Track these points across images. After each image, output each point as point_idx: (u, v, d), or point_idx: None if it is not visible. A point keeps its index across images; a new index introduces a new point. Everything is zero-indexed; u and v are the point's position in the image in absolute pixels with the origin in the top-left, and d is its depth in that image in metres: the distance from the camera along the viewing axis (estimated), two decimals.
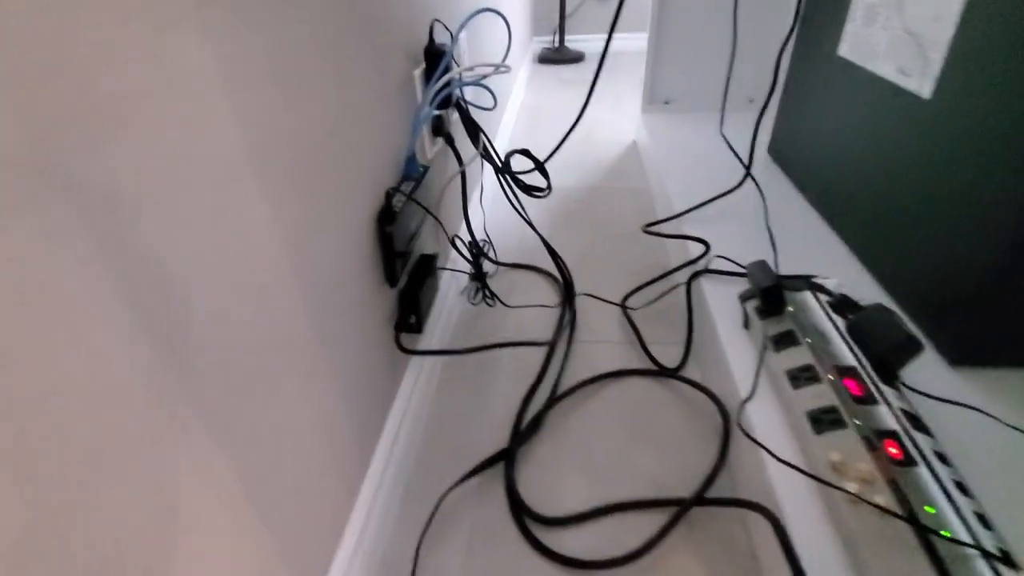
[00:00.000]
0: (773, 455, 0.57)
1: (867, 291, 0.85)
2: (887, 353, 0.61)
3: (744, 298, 0.78)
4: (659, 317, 1.01)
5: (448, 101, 0.85)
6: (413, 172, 0.72)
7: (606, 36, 2.95)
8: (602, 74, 2.57)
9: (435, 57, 0.80)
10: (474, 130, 1.00)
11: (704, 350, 0.88)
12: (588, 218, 1.36)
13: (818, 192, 1.07)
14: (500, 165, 1.02)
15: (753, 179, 1.13)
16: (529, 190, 1.04)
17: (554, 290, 1.11)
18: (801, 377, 0.62)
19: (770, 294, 0.70)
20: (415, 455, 0.78)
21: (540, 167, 0.97)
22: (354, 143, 0.57)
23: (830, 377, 0.60)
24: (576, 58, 2.81)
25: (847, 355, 0.62)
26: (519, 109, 2.17)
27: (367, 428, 0.63)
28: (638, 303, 1.04)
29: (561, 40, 2.87)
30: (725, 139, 1.29)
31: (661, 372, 0.88)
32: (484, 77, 0.88)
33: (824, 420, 0.56)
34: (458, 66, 0.91)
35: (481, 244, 1.04)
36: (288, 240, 0.44)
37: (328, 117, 0.51)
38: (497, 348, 0.96)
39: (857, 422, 0.55)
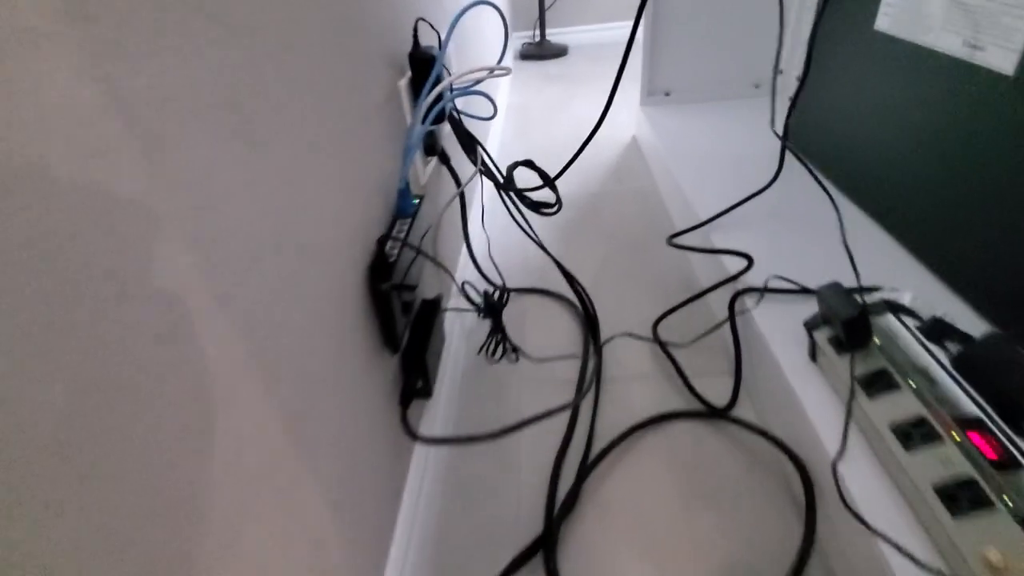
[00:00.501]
0: (904, 552, 0.45)
1: (944, 303, 0.73)
2: (1019, 396, 0.49)
3: (811, 326, 0.66)
4: (697, 343, 0.88)
5: (441, 115, 0.71)
6: (407, 208, 0.58)
7: (601, 25, 2.83)
8: (584, 67, 2.45)
9: (423, 63, 0.67)
10: (471, 144, 0.87)
11: (759, 385, 0.76)
12: (596, 227, 1.23)
13: (857, 185, 0.96)
14: (503, 181, 0.89)
15: (803, 162, 1.01)
16: (537, 207, 0.91)
17: (572, 316, 0.98)
18: (914, 434, 0.50)
19: (855, 327, 0.58)
20: (434, 557, 0.64)
21: (550, 183, 0.84)
22: (331, 185, 0.44)
23: (953, 435, 0.48)
24: (559, 52, 2.68)
25: (965, 402, 0.50)
26: (506, 110, 2.03)
27: (373, 538, 0.50)
28: (673, 332, 0.92)
29: (542, 34, 2.74)
30: (776, 134, 1.16)
31: (710, 413, 0.76)
32: (479, 82, 0.75)
33: (962, 498, 0.44)
34: (450, 72, 0.78)
35: (494, 292, 0.90)
36: (243, 329, 0.31)
37: (295, 156, 0.38)
38: (521, 424, 0.83)
39: (1008, 500, 0.42)
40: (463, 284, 0.85)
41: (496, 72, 0.73)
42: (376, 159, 0.56)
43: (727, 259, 0.87)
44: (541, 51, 2.66)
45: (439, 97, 0.66)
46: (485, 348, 0.92)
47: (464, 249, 0.99)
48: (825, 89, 1.05)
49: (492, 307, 0.82)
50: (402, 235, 0.54)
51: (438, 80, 0.67)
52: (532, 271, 1.11)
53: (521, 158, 1.63)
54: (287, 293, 0.36)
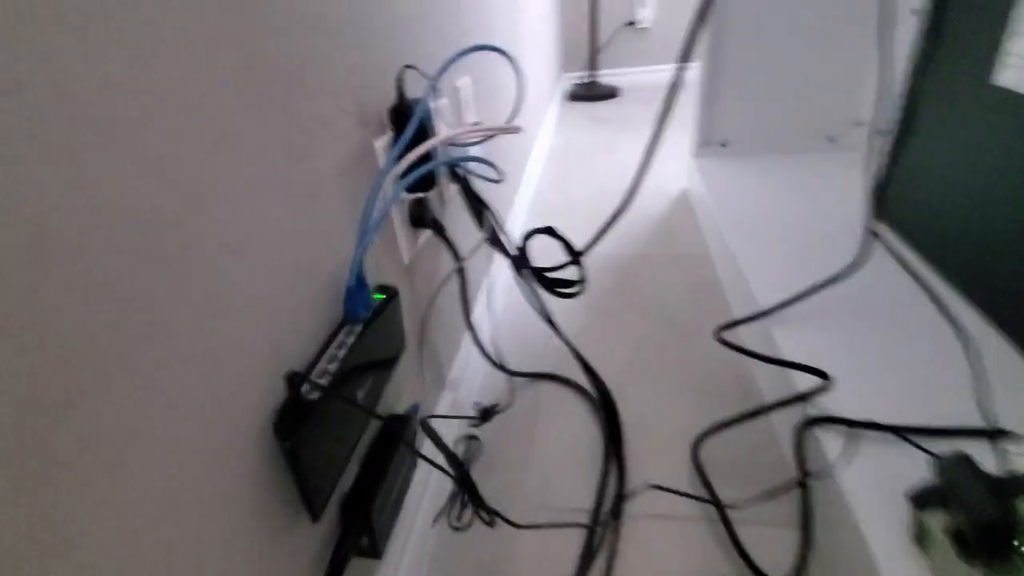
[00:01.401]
0: None
1: None
2: None
3: (920, 502, 0.46)
4: (745, 471, 0.69)
5: (430, 182, 0.58)
6: (358, 311, 0.44)
7: (657, 67, 2.69)
8: (634, 110, 2.30)
9: (405, 119, 0.54)
10: (478, 208, 0.73)
11: (837, 560, 0.55)
12: (632, 300, 1.05)
13: (978, 284, 0.75)
14: (515, 255, 0.74)
15: (889, 248, 0.81)
16: (553, 287, 0.75)
17: (590, 418, 0.80)
18: None
19: (992, 534, 0.38)
20: None
21: (575, 259, 0.68)
22: (231, 297, 0.30)
23: None
24: (610, 94, 2.55)
25: None
26: (548, 154, 1.91)
27: None
28: (720, 455, 0.73)
29: (593, 75, 2.63)
30: (871, 193, 0.97)
31: None
32: (480, 142, 0.61)
33: None
34: (447, 126, 0.64)
35: (478, 406, 0.72)
36: None
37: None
38: None
39: None
40: (427, 419, 0.70)
41: (503, 130, 0.59)
42: (321, 248, 0.43)
43: (798, 372, 0.68)
44: (590, 92, 2.54)
45: (426, 158, 0.53)
46: (446, 513, 0.67)
47: (465, 339, 0.84)
48: (925, 151, 0.85)
49: (458, 464, 0.63)
50: (335, 361, 0.40)
51: (422, 135, 0.54)
52: (550, 353, 0.94)
53: (558, 206, 1.49)
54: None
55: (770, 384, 0.77)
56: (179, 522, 0.28)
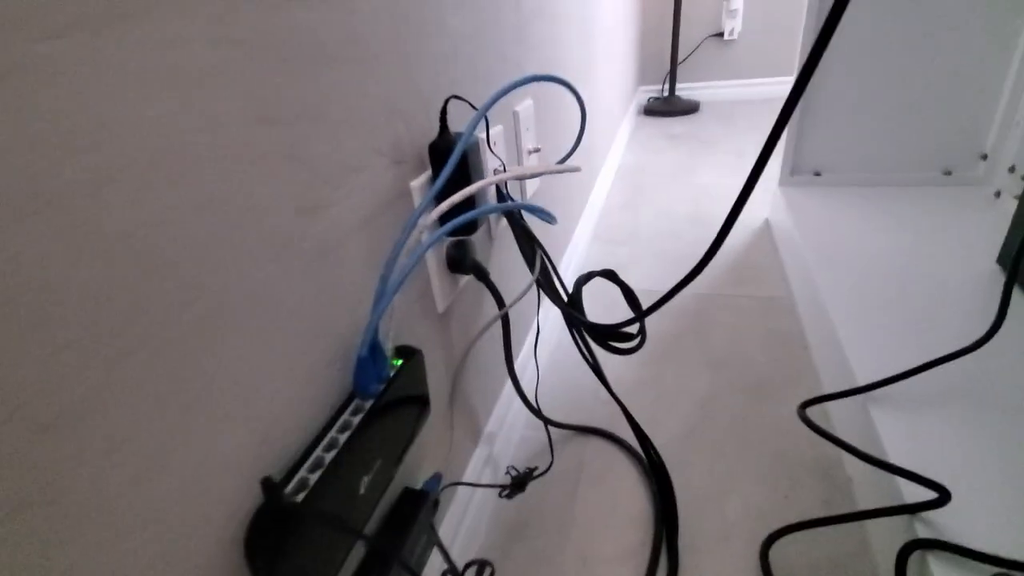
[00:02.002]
0: None
1: None
2: None
3: None
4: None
5: (473, 225, 0.51)
6: (370, 384, 0.38)
7: (739, 81, 2.51)
8: (713, 128, 2.14)
9: (447, 157, 0.47)
10: (530, 247, 0.66)
11: None
12: (698, 349, 0.94)
13: None
14: (567, 304, 0.66)
15: None
16: (608, 340, 0.66)
17: (641, 483, 0.71)
18: None
19: None
20: None
21: (640, 317, 0.59)
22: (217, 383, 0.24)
23: None
24: (689, 109, 2.41)
25: None
26: (617, 172, 1.81)
27: None
28: (795, 563, 0.61)
29: (671, 89, 2.49)
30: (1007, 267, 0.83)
31: None
32: (533, 176, 0.54)
33: None
34: (500, 159, 0.58)
35: (512, 472, 0.62)
36: None
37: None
38: None
39: None
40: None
41: (560, 170, 0.52)
42: (334, 311, 0.37)
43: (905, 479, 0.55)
44: (668, 107, 2.41)
45: (470, 201, 0.46)
46: None
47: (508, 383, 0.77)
48: None
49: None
50: (333, 449, 0.34)
51: (466, 172, 0.47)
52: (600, 406, 0.85)
53: (624, 233, 1.38)
54: None
55: (865, 480, 0.64)
56: None
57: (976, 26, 1.07)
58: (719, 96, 2.58)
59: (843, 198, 1.19)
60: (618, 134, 1.93)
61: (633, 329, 0.66)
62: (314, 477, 0.32)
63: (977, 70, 1.10)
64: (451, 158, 0.43)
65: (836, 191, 1.22)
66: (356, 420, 0.37)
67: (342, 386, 0.39)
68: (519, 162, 0.77)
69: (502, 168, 0.63)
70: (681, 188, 1.62)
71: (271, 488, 0.30)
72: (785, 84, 2.44)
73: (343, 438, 0.35)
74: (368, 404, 0.38)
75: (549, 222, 0.55)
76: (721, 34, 2.45)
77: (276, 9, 0.30)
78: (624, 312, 1.06)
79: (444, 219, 0.42)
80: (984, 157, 1.16)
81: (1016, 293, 0.78)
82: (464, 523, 0.61)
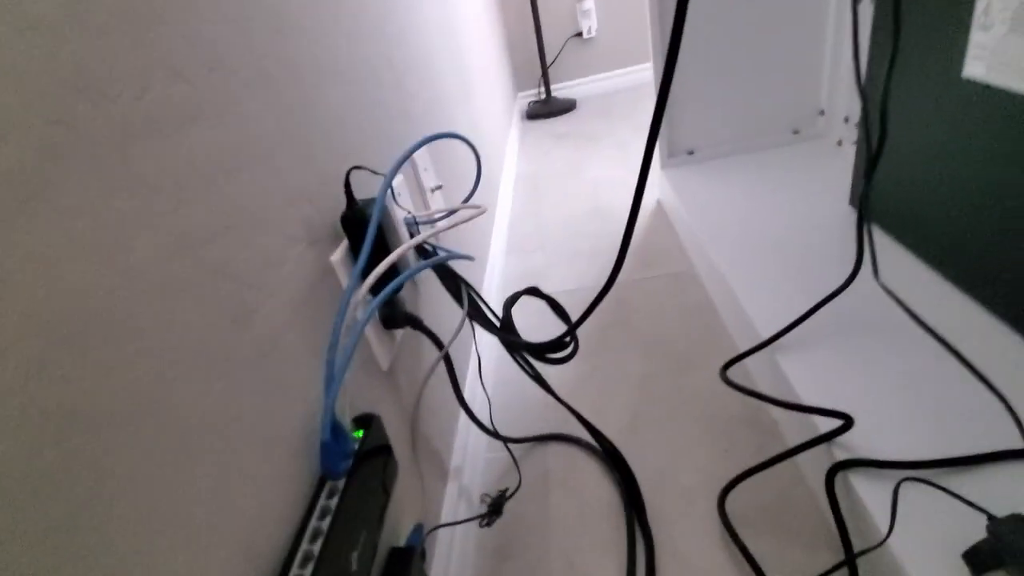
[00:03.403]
0: None
1: None
2: None
3: (979, 564, 0.43)
4: (778, 521, 0.65)
5: (401, 286, 0.53)
6: (337, 465, 0.39)
7: (607, 74, 2.68)
8: (593, 124, 2.28)
9: (360, 226, 0.49)
10: (455, 284, 0.69)
11: None
12: (627, 335, 1.02)
13: (968, 271, 0.72)
14: (500, 329, 0.69)
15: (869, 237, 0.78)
16: (542, 353, 0.71)
17: (604, 475, 0.76)
18: None
19: None
20: None
21: (571, 331, 0.63)
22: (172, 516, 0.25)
23: None
24: (567, 107, 2.54)
25: None
26: (515, 181, 1.88)
27: None
28: (748, 504, 0.69)
29: (547, 91, 2.61)
30: (858, 213, 0.95)
31: None
32: (447, 228, 0.57)
33: None
34: (403, 216, 0.60)
35: (486, 500, 0.67)
36: None
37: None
38: None
39: None
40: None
41: (470, 215, 0.55)
42: (285, 406, 0.38)
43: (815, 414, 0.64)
44: (548, 108, 2.52)
45: (391, 273, 0.48)
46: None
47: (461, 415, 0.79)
48: (900, 150, 0.82)
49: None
50: (319, 538, 0.35)
51: (383, 246, 0.49)
52: (551, 412, 0.90)
53: (534, 238, 1.45)
54: None
55: (787, 421, 0.74)
56: None
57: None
58: (591, 91, 2.73)
59: (716, 171, 1.32)
60: (508, 143, 2.00)
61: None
62: (307, 573, 0.33)
63: (802, 35, 1.26)
64: (368, 232, 0.45)
65: (708, 165, 1.36)
66: (333, 503, 0.38)
67: (311, 472, 0.40)
68: (424, 204, 0.79)
69: (411, 217, 0.66)
70: (576, 186, 1.72)
71: None
72: (644, 71, 2.64)
73: (325, 525, 0.36)
74: (341, 483, 0.39)
75: (470, 260, 0.58)
76: (580, 34, 2.61)
77: (176, 135, 0.31)
78: (549, 317, 1.11)
79: (374, 288, 0.44)
80: (822, 113, 1.33)
81: (874, 232, 0.92)
82: (452, 561, 0.63)
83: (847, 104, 1.25)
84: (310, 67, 0.50)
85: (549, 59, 2.67)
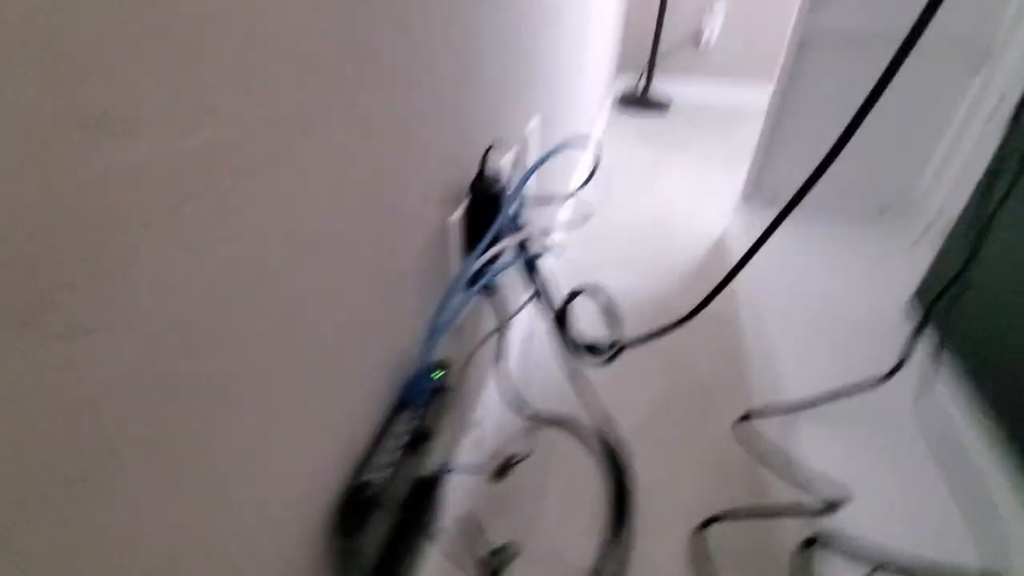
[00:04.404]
0: None
1: None
2: None
3: None
4: (744, 569, 0.71)
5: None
6: (417, 396, 0.46)
7: (707, 82, 2.63)
8: (685, 131, 2.25)
9: (485, 199, 0.54)
10: (530, 267, 0.74)
11: None
12: (654, 352, 1.06)
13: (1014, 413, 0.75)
14: (556, 316, 0.75)
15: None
16: (584, 352, 0.77)
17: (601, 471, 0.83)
18: None
19: None
20: None
21: (615, 347, 0.69)
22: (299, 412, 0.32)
23: None
24: (661, 105, 2.50)
25: None
26: (590, 168, 1.89)
27: None
28: (726, 545, 0.75)
29: (648, 83, 2.57)
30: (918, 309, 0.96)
31: None
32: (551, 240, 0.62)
33: None
34: (518, 222, 0.64)
35: (498, 457, 0.74)
36: None
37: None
38: None
39: None
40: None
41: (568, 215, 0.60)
42: (394, 332, 0.44)
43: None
44: (642, 102, 2.49)
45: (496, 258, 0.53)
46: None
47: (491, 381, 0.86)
48: (1001, 239, 0.82)
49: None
50: (396, 452, 0.42)
51: (492, 214, 0.55)
52: (567, 396, 0.97)
53: (596, 233, 1.48)
54: None
55: (783, 484, 0.79)
56: None
57: (932, 76, 1.20)
58: (691, 94, 2.68)
59: (789, 225, 1.32)
60: (596, 125, 2.00)
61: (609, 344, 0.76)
62: (387, 473, 0.41)
63: (925, 116, 1.24)
64: (493, 225, 0.50)
65: (791, 219, 1.36)
66: (408, 430, 0.45)
67: (396, 393, 0.46)
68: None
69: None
70: (649, 192, 1.73)
71: (353, 494, 0.38)
72: (754, 92, 2.57)
73: (403, 441, 0.43)
74: (417, 416, 0.46)
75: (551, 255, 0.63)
76: (700, 34, 2.54)
77: (391, 90, 0.36)
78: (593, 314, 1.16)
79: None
80: (915, 198, 1.32)
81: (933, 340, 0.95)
82: (452, 500, 0.71)
83: (945, 197, 1.24)
84: (481, 35, 0.54)
85: (661, 50, 2.61)
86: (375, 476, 0.40)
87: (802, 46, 1.21)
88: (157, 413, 0.22)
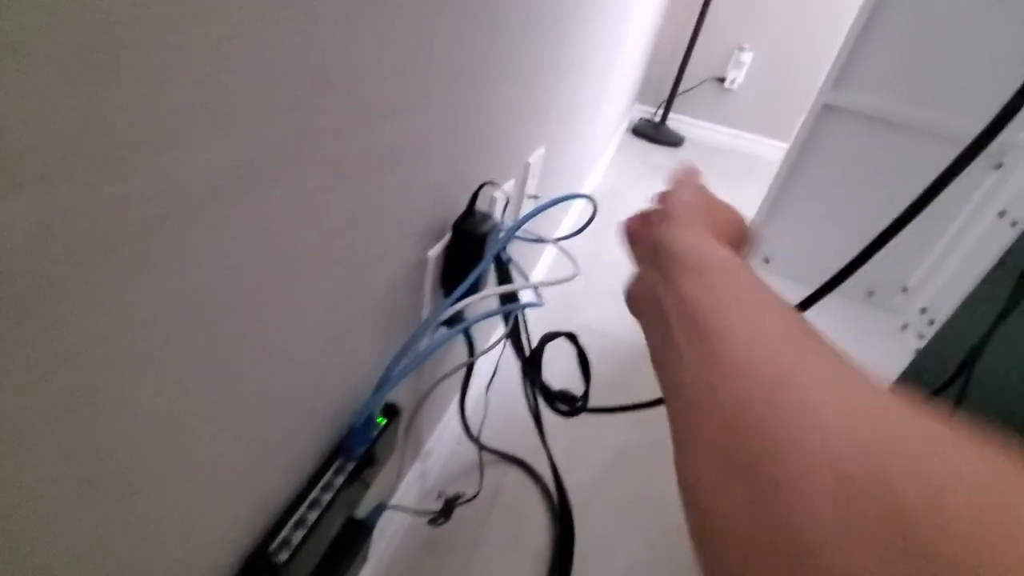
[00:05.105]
0: None
1: None
2: None
3: None
4: None
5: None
6: (357, 447, 0.42)
7: (722, 127, 2.61)
8: (704, 163, 2.24)
9: (472, 239, 0.51)
10: (507, 304, 0.71)
11: None
12: (622, 398, 1.04)
13: None
14: (526, 361, 0.72)
15: None
16: (553, 401, 0.74)
17: (547, 518, 0.80)
18: None
19: None
20: None
21: (582, 403, 0.66)
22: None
23: None
24: (674, 141, 2.49)
25: None
26: (593, 190, 1.87)
27: None
28: None
29: (664, 116, 2.56)
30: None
31: None
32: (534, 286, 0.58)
33: None
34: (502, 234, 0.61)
35: (443, 497, 0.72)
36: None
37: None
38: None
39: None
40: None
41: (554, 282, 0.56)
42: (342, 378, 0.41)
43: None
44: (656, 134, 2.48)
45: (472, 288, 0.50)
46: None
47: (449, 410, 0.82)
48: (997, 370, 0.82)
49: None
50: (316, 508, 0.38)
51: (473, 255, 0.51)
52: (529, 436, 0.93)
53: (587, 259, 1.45)
54: None
55: None
56: None
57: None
58: (704, 137, 2.68)
59: (779, 290, 1.31)
60: (606, 149, 1.97)
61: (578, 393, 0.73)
62: (298, 536, 0.37)
63: (929, 212, 1.23)
64: (472, 273, 0.47)
65: (775, 281, 1.35)
66: (339, 480, 0.41)
67: (328, 444, 0.43)
68: (518, 210, 0.80)
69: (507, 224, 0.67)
70: None
71: (259, 553, 0.34)
72: (767, 146, 2.57)
73: (326, 498, 0.40)
74: (351, 465, 0.42)
75: (540, 305, 0.60)
76: (723, 79, 2.53)
77: (371, 130, 0.33)
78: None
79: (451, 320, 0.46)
80: (904, 289, 1.32)
81: None
82: (384, 536, 0.67)
83: (933, 297, 1.23)
84: (494, 64, 0.50)
85: (682, 88, 2.61)
86: (289, 535, 0.36)
87: (822, 115, 1.20)
88: None
